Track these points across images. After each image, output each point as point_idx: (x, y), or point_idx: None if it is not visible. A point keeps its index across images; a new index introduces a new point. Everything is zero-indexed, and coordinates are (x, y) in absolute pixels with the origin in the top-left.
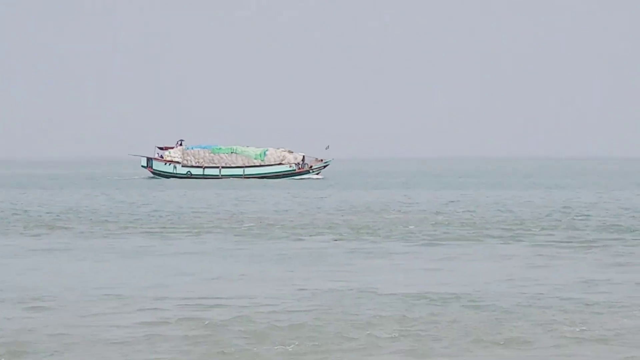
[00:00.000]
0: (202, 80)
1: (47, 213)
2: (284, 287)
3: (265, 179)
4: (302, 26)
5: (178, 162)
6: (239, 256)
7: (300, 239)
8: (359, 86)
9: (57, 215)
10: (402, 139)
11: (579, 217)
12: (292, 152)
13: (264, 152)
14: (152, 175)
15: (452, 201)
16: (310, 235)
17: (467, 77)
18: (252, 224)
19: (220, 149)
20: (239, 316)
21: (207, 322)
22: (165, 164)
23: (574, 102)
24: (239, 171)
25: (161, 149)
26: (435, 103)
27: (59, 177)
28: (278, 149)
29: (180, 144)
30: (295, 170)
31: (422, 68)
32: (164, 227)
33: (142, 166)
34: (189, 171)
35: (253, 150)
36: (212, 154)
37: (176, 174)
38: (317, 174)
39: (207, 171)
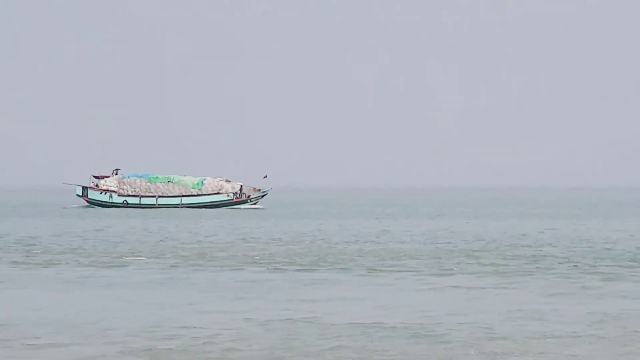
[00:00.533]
0: (137, 107)
1: None
2: (233, 317)
3: (202, 209)
4: (238, 49)
5: (114, 191)
6: (181, 286)
7: (239, 269)
8: (300, 113)
9: None
10: (341, 168)
11: (507, 247)
12: (229, 182)
13: (202, 182)
14: (87, 204)
15: (385, 230)
16: (249, 265)
17: (404, 106)
18: (189, 254)
19: (157, 178)
20: (189, 346)
21: (155, 353)
22: (101, 192)
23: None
24: (176, 200)
25: (97, 177)
26: (377, 131)
27: None
28: (215, 178)
29: (116, 173)
30: (233, 199)
31: (361, 95)
32: (101, 257)
33: (78, 195)
34: (125, 200)
35: (190, 180)
36: (148, 183)
37: (112, 203)
38: (255, 203)
39: (144, 200)
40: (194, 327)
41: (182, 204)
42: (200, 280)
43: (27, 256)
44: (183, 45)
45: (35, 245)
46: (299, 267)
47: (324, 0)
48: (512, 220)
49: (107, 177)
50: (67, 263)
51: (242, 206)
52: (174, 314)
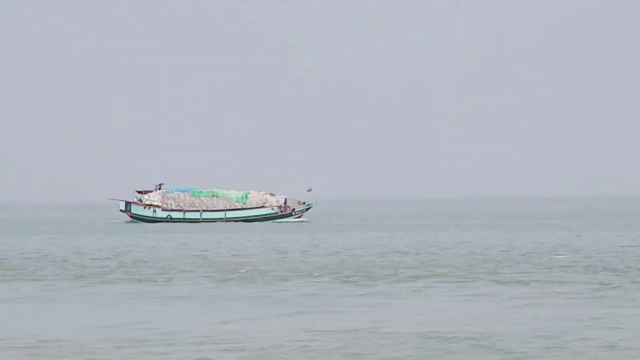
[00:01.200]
0: (180, 121)
1: (25, 259)
2: (295, 329)
3: (247, 222)
4: (282, 64)
5: (158, 206)
6: (239, 300)
7: (291, 282)
8: (343, 127)
9: (35, 262)
10: (387, 180)
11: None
12: (274, 195)
13: (246, 195)
14: (130, 219)
15: (433, 241)
16: (300, 278)
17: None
18: (238, 268)
19: (201, 192)
20: (256, 357)
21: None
22: (145, 207)
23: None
24: (221, 215)
25: (140, 192)
26: (421, 143)
27: (30, 222)
28: (260, 191)
29: (160, 188)
30: (277, 213)
31: (403, 108)
32: (155, 273)
33: (121, 210)
34: (169, 215)
35: (234, 194)
36: (192, 198)
37: (156, 218)
38: (300, 216)
39: (188, 215)
40: (260, 339)
41: (227, 218)
42: (256, 294)
43: (78, 274)
44: (226, 59)
45: (81, 261)
46: (352, 280)
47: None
48: (540, 231)
49: (151, 192)
50: (119, 279)
51: (286, 219)
52: (238, 326)
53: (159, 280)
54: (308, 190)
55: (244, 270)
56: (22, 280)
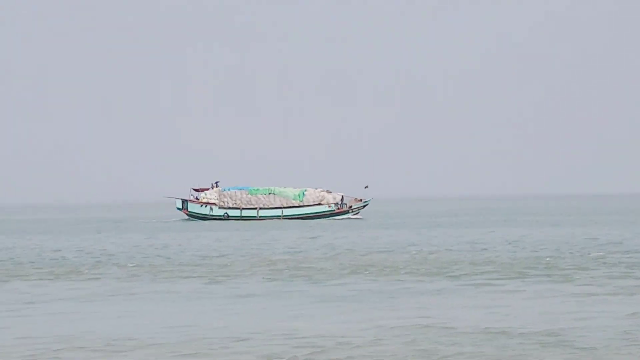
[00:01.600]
0: (235, 119)
1: (89, 258)
2: (360, 325)
3: (304, 220)
4: (337, 59)
5: (214, 204)
6: (301, 297)
7: (352, 278)
8: (399, 124)
9: (107, 258)
10: (445, 177)
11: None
12: (330, 192)
13: (303, 193)
14: (187, 217)
15: (492, 237)
16: (359, 275)
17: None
18: (302, 266)
19: (257, 190)
20: (323, 352)
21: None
22: (201, 205)
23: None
24: (278, 212)
25: (197, 190)
26: (480, 140)
27: (91, 222)
28: (316, 189)
29: (216, 186)
30: (334, 210)
31: (467, 102)
32: (215, 271)
33: (178, 208)
34: (225, 212)
35: (291, 191)
36: (249, 195)
37: (213, 215)
38: (356, 214)
39: (245, 212)
40: (330, 335)
41: (284, 216)
42: (318, 291)
43: (154, 274)
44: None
45: (141, 259)
46: (414, 275)
47: None
48: (589, 227)
49: (207, 189)
50: (179, 278)
51: (343, 216)
52: (307, 323)
53: (220, 278)
54: (365, 188)
55: (303, 267)
56: (86, 281)
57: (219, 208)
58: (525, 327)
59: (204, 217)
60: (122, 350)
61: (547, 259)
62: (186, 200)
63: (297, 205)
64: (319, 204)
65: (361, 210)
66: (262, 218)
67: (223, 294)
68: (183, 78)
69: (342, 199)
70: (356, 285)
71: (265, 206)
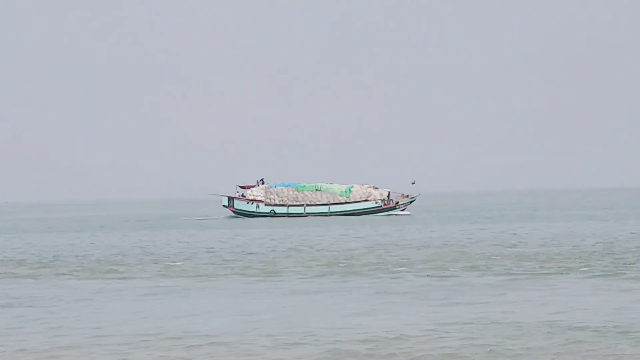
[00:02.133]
0: (279, 115)
1: (131, 255)
2: (423, 319)
3: (351, 216)
4: (373, 59)
5: (261, 201)
6: (361, 292)
7: (408, 273)
8: (446, 119)
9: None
10: (492, 172)
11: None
12: (377, 188)
13: (349, 189)
14: (233, 214)
15: (528, 232)
16: (417, 270)
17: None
18: (354, 262)
19: (304, 186)
20: (380, 347)
21: (363, 355)
22: (248, 202)
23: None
24: (324, 209)
25: (243, 187)
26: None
27: (134, 218)
28: (363, 185)
29: (262, 182)
30: (381, 206)
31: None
32: (269, 267)
33: (224, 206)
34: (272, 210)
35: (338, 187)
36: (296, 192)
37: (259, 212)
38: (404, 210)
39: (292, 209)
40: (391, 330)
41: (330, 212)
42: (375, 286)
43: (186, 270)
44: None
45: (219, 257)
46: (467, 270)
47: None
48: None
49: (253, 187)
50: (227, 275)
51: (390, 213)
52: (356, 319)
53: (274, 274)
54: (412, 183)
55: (357, 264)
56: (132, 279)
57: (266, 205)
58: (584, 320)
59: (250, 215)
60: (175, 346)
61: (605, 254)
62: (232, 198)
63: (343, 201)
64: (366, 200)
65: (408, 206)
66: (308, 215)
67: (281, 291)
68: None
69: (388, 195)
70: (413, 280)
71: (312, 203)
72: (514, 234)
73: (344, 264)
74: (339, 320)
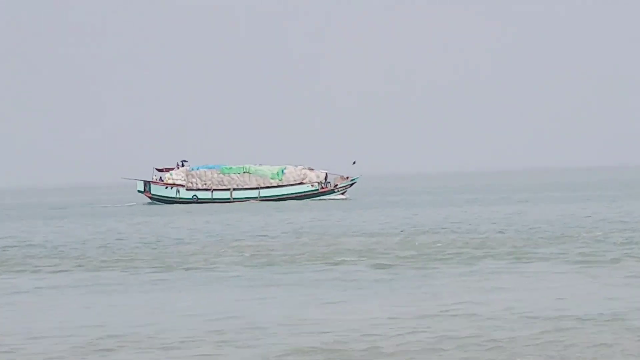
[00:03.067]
0: (203, 90)
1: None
2: (383, 312)
3: (284, 201)
4: (306, 34)
5: (181, 185)
6: (322, 283)
7: (364, 263)
8: (383, 96)
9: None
10: (434, 153)
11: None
12: (313, 170)
13: (282, 171)
14: (150, 201)
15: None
16: (360, 261)
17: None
18: (292, 252)
19: (230, 168)
20: (346, 342)
21: (324, 350)
22: (166, 187)
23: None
24: (254, 193)
25: (160, 170)
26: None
27: (41, 206)
28: (297, 166)
29: (183, 165)
30: (317, 190)
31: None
32: (195, 260)
33: (139, 191)
34: (194, 195)
35: (269, 169)
36: (221, 175)
37: (180, 198)
38: (343, 193)
39: (216, 194)
40: (347, 322)
41: (261, 197)
42: (329, 277)
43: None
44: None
45: (112, 248)
46: (442, 259)
47: None
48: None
49: (172, 169)
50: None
51: (328, 197)
52: (319, 312)
53: (202, 266)
54: (353, 163)
55: (300, 254)
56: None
57: (187, 190)
58: (584, 310)
59: (169, 201)
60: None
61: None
62: (148, 182)
63: (275, 185)
64: (301, 184)
65: (348, 189)
66: (236, 200)
67: (231, 283)
68: (148, 46)
69: (326, 177)
70: (368, 271)
71: (240, 187)
72: (457, 221)
73: (264, 256)
74: (288, 312)
